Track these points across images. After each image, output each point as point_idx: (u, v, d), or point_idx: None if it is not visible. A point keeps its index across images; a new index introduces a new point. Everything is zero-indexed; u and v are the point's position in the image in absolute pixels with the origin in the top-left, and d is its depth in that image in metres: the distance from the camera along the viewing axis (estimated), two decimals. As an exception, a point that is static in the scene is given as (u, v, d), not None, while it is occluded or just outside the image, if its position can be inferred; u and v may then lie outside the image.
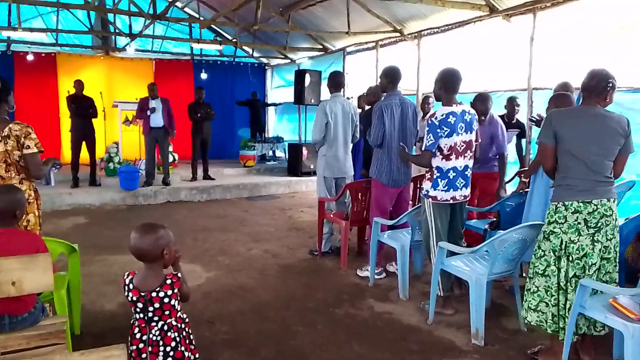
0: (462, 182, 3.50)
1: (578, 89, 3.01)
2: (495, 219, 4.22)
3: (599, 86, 2.70)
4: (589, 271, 2.70)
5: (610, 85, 2.69)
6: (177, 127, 8.38)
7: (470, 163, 3.56)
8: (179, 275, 2.16)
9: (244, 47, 11.99)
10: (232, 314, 3.65)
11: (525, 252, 3.28)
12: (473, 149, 3.55)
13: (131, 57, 11.37)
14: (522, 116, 5.75)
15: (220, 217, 6.99)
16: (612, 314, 2.51)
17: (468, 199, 3.65)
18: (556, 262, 2.75)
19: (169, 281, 2.11)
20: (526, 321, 2.92)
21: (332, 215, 4.93)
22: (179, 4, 11.05)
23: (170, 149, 9.19)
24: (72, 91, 7.97)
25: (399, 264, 4.00)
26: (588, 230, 2.68)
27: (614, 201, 2.73)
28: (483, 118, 4.41)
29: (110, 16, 9.88)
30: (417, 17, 7.87)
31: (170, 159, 9.22)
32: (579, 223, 2.68)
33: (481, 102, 4.47)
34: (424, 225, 3.63)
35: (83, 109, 7.76)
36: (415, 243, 4.08)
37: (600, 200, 2.68)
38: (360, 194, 4.71)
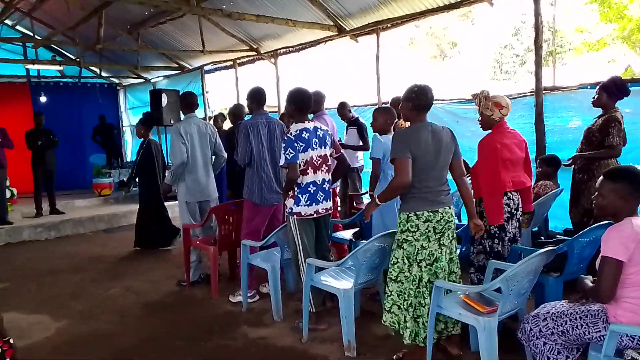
0: (322, 196, 3.56)
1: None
2: (358, 229, 4.37)
3: (430, 102, 2.97)
4: (440, 274, 2.91)
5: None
6: (15, 157, 7.39)
7: (328, 177, 3.64)
8: (12, 341, 1.79)
9: (90, 67, 11.10)
10: (88, 368, 3.24)
11: (386, 259, 3.42)
12: (329, 163, 3.64)
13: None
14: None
15: (72, 256, 6.27)
16: (465, 311, 2.71)
17: (331, 212, 3.72)
18: (410, 269, 2.91)
19: None
20: (383, 321, 3.05)
21: (198, 242, 4.69)
22: (8, 22, 9.87)
23: (7, 182, 8.07)
24: None
25: (270, 285, 3.92)
26: (435, 236, 2.90)
27: (452, 207, 3.02)
28: None
29: None
30: (272, 36, 8.00)
31: (8, 194, 8.08)
32: (429, 230, 2.88)
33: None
34: (292, 243, 3.62)
35: None
36: (285, 261, 4.03)
37: (445, 209, 2.93)
38: (227, 216, 4.55)
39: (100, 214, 8.28)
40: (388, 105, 4.79)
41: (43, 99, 10.82)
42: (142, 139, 6.31)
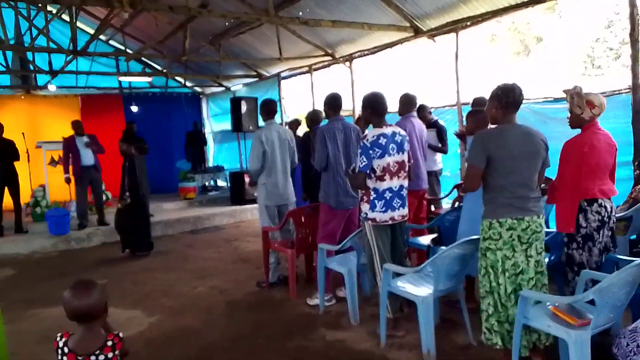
0: (398, 202, 3.51)
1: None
2: (437, 235, 4.27)
3: (518, 100, 2.79)
4: (527, 286, 2.76)
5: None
6: (109, 163, 8.02)
7: (405, 183, 3.58)
8: (121, 335, 1.97)
9: (176, 78, 11.78)
10: (177, 362, 3.44)
11: (467, 266, 3.32)
12: (406, 169, 3.58)
13: (55, 94, 10.84)
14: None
15: (162, 255, 6.68)
16: (554, 323, 2.56)
17: (407, 218, 3.66)
18: (496, 278, 2.78)
19: (109, 342, 1.91)
20: (491, 343, 2.85)
21: (277, 245, 4.83)
22: (103, 37, 10.74)
23: (103, 187, 8.78)
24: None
25: (347, 289, 3.95)
26: (521, 246, 2.75)
27: (542, 217, 2.83)
28: None
29: (29, 54, 9.42)
30: (347, 40, 8.04)
31: (104, 197, 8.79)
32: (513, 239, 2.74)
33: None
34: (367, 248, 3.61)
35: (3, 153, 7.28)
36: (362, 266, 4.04)
37: (532, 217, 2.75)
38: (303, 220, 4.65)
39: (186, 216, 8.75)
40: (470, 106, 4.61)
41: (134, 108, 11.66)
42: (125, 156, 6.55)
